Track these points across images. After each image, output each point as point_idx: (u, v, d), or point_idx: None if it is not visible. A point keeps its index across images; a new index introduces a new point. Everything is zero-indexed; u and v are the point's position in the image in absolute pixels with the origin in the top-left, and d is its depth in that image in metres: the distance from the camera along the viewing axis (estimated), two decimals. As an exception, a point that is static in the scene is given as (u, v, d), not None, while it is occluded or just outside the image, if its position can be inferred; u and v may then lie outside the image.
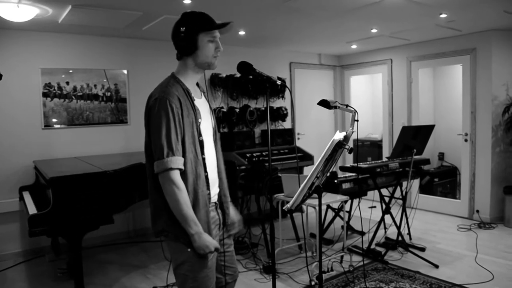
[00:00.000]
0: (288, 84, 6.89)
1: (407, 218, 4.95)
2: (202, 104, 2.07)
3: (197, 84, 2.12)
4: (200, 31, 1.95)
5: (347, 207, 5.06)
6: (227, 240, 2.19)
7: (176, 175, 1.86)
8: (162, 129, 1.86)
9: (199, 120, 2.00)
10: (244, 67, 2.11)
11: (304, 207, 5.31)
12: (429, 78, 7.22)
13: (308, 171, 2.50)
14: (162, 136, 1.86)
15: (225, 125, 6.17)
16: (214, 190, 2.10)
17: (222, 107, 6.14)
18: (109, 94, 5.30)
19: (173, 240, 1.95)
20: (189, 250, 1.92)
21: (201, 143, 1.99)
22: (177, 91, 1.94)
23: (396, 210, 5.13)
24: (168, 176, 1.85)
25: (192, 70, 2.03)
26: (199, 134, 1.99)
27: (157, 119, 1.88)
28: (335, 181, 4.58)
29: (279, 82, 2.19)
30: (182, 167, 1.90)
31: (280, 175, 4.48)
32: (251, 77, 6.20)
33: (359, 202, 4.62)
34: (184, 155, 1.91)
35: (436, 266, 4.14)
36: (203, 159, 2.00)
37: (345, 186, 4.65)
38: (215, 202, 2.11)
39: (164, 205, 1.91)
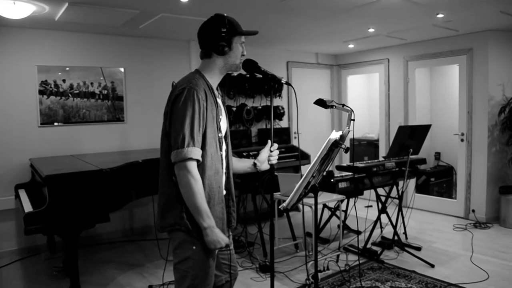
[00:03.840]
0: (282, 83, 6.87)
1: (403, 218, 4.96)
2: (220, 104, 2.11)
3: (216, 88, 2.16)
4: (236, 34, 2.02)
5: (343, 206, 5.05)
6: (230, 239, 2.19)
7: (194, 166, 1.87)
8: (186, 119, 1.87)
9: (220, 117, 2.04)
10: (249, 64, 2.14)
11: (300, 206, 5.32)
12: (425, 78, 7.24)
13: (305, 170, 2.50)
14: (186, 125, 1.87)
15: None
16: (224, 191, 2.11)
17: (219, 106, 6.13)
18: (105, 92, 5.29)
19: (186, 233, 1.93)
20: (194, 247, 1.92)
21: (220, 139, 2.03)
22: (203, 85, 1.98)
23: (392, 209, 5.14)
24: (185, 166, 1.85)
25: (219, 70, 2.07)
26: (219, 130, 2.02)
27: (183, 109, 1.88)
28: (332, 180, 4.59)
29: (283, 81, 2.21)
30: (200, 159, 1.90)
31: (276, 174, 4.48)
32: (257, 75, 6.23)
33: (355, 202, 4.63)
34: (205, 149, 1.93)
35: (432, 266, 4.15)
36: (221, 155, 2.03)
37: (342, 185, 4.65)
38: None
39: (178, 197, 1.91)
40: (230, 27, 2.00)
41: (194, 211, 1.87)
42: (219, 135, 2.02)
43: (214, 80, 2.08)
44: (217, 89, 2.14)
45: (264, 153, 2.27)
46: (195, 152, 1.87)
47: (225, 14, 2.04)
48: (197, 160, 1.89)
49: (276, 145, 2.25)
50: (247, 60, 2.13)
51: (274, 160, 2.25)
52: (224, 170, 2.10)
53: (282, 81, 2.21)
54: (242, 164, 2.31)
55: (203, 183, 1.92)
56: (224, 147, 2.08)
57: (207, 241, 1.88)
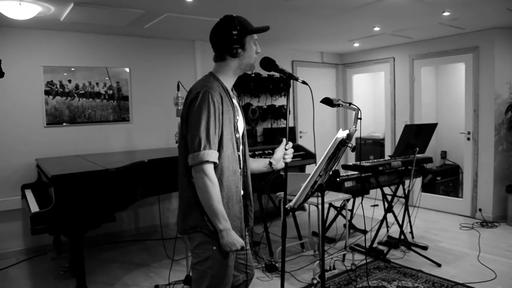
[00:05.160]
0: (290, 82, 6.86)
1: (409, 217, 4.93)
2: (237, 104, 2.12)
3: (231, 89, 2.16)
4: (247, 34, 2.02)
5: (349, 205, 5.04)
6: (247, 239, 2.19)
7: (210, 169, 1.88)
8: (202, 122, 1.88)
9: (237, 117, 2.05)
10: (267, 62, 2.13)
11: (306, 205, 5.30)
12: (431, 77, 7.20)
13: (310, 169, 2.49)
14: (201, 128, 1.87)
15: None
16: (242, 192, 2.12)
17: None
18: (111, 92, 5.30)
19: (206, 235, 1.94)
20: (214, 248, 1.93)
21: (237, 140, 2.03)
22: (218, 87, 1.98)
23: (398, 208, 5.12)
24: (202, 168, 1.86)
25: (233, 72, 2.07)
26: (236, 131, 2.03)
27: (198, 112, 1.89)
28: (338, 179, 4.57)
29: (300, 80, 2.19)
30: (217, 161, 1.91)
31: (282, 173, 4.47)
32: (261, 74, 6.19)
33: (361, 201, 4.61)
34: (222, 150, 1.94)
35: (439, 265, 4.13)
36: (239, 155, 2.04)
37: (348, 184, 4.64)
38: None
39: (198, 200, 1.92)
40: (241, 28, 2.00)
41: (210, 213, 1.89)
42: (237, 135, 2.03)
43: (229, 81, 2.08)
44: (232, 90, 2.14)
45: (279, 152, 2.27)
46: (212, 154, 1.88)
47: (235, 15, 2.03)
48: (214, 163, 1.90)
49: (290, 144, 2.25)
50: (265, 58, 2.13)
51: (289, 158, 2.24)
52: (241, 170, 2.10)
53: (299, 80, 2.19)
54: (257, 164, 2.32)
55: (221, 184, 1.94)
56: (241, 147, 2.09)
57: (222, 243, 1.89)
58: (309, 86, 2.21)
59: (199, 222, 1.95)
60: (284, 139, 2.24)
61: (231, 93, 2.06)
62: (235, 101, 2.09)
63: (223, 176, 1.95)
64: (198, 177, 1.87)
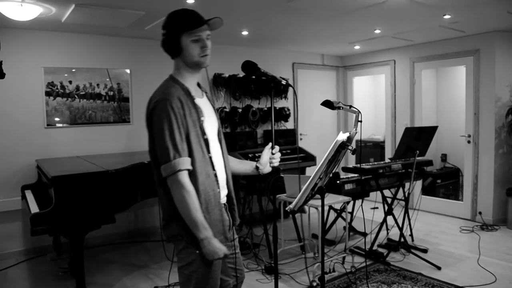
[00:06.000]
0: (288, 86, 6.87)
1: (409, 220, 4.93)
2: (204, 103, 2.03)
3: (198, 84, 2.09)
4: (182, 32, 1.91)
5: (349, 208, 5.04)
6: (235, 242, 2.15)
7: (185, 177, 1.83)
8: (166, 131, 1.83)
9: (202, 119, 1.96)
10: (248, 66, 2.07)
11: (306, 207, 5.29)
12: (432, 79, 7.20)
13: (310, 171, 2.49)
14: (166, 138, 1.83)
15: (227, 125, 6.17)
16: (224, 191, 2.06)
17: (225, 107, 6.13)
18: (111, 93, 5.30)
19: (188, 242, 1.90)
20: (197, 252, 1.89)
21: (206, 142, 1.96)
22: (176, 91, 1.91)
23: (398, 211, 5.11)
24: (176, 178, 1.81)
25: (185, 70, 1.99)
26: (203, 133, 1.95)
27: (159, 122, 1.84)
28: (338, 182, 4.57)
29: (284, 82, 2.15)
30: (191, 167, 1.86)
31: (282, 175, 4.47)
32: (254, 77, 6.21)
33: (361, 203, 4.59)
34: (192, 155, 1.88)
35: (439, 268, 4.13)
36: (210, 157, 1.97)
37: (348, 187, 4.64)
38: (224, 204, 2.05)
39: (176, 210, 1.87)
40: (172, 26, 1.93)
41: (189, 223, 1.83)
42: (205, 137, 1.96)
43: (188, 80, 2.00)
44: (199, 86, 2.08)
45: (265, 156, 2.22)
46: (183, 162, 1.83)
47: (174, 10, 1.96)
48: (188, 170, 1.85)
49: (277, 148, 2.21)
50: (246, 62, 2.07)
51: (276, 162, 2.20)
52: (223, 170, 2.05)
53: (282, 82, 2.15)
54: (243, 167, 2.27)
55: (197, 189, 1.88)
56: (215, 147, 2.02)
57: (204, 253, 1.84)
58: (293, 88, 2.20)
59: (180, 231, 1.90)
60: (270, 143, 2.19)
61: (192, 93, 1.97)
62: (198, 100, 1.99)
63: (197, 181, 1.89)
64: (173, 188, 1.83)
